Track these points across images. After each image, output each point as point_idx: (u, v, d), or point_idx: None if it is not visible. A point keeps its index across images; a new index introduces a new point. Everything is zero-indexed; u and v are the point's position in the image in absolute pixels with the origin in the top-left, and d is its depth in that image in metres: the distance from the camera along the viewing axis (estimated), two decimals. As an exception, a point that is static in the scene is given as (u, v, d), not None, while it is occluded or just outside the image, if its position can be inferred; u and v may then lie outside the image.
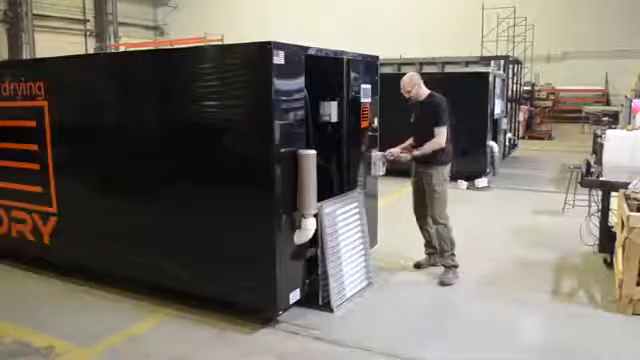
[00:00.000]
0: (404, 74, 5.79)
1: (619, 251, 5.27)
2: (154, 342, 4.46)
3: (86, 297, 5.32)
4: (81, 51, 23.63)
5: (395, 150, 5.75)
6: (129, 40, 25.14)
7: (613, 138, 6.48)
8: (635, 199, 5.35)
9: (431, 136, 5.49)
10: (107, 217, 5.33)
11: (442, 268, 5.73)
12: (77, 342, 4.44)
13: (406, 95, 5.62)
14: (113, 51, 22.46)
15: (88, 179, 5.52)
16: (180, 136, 4.85)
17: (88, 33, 26.41)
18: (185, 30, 25.57)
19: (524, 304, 5.15)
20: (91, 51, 24.24)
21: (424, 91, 5.65)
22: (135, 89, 5.09)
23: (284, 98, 4.39)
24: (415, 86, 5.59)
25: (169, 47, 14.54)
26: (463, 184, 10.68)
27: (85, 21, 26.36)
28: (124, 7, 27.42)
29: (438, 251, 5.81)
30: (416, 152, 5.56)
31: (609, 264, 5.91)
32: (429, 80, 5.93)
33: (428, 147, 5.48)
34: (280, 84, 4.31)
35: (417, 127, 5.71)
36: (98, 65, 5.63)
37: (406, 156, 5.65)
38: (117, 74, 5.25)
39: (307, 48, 4.68)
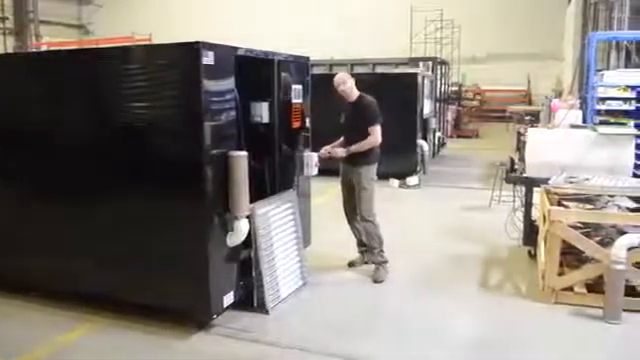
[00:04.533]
0: (335, 74, 5.86)
1: (542, 243, 5.51)
2: (85, 351, 4.31)
3: (9, 308, 5.05)
4: (-1, 50, 22.50)
5: (328, 147, 5.81)
6: (52, 39, 24.13)
7: (535, 136, 6.78)
8: (555, 194, 5.62)
9: (363, 136, 5.58)
10: (31, 223, 5.09)
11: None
12: (1, 355, 4.23)
13: (339, 91, 5.68)
14: (34, 50, 21.48)
15: (7, 184, 5.25)
16: (107, 138, 4.70)
17: (7, 32, 25.16)
18: (112, 29, 24.75)
19: (454, 298, 5.30)
20: (10, 51, 23.07)
21: (355, 92, 5.73)
22: (58, 90, 4.88)
23: (214, 99, 4.33)
24: (346, 82, 5.66)
25: (94, 47, 14.04)
26: (395, 182, 10.88)
27: (4, 19, 25.09)
28: (46, 5, 26.20)
29: (367, 249, 5.90)
30: (352, 147, 5.63)
31: (533, 256, 6.17)
32: (361, 80, 6.01)
33: (364, 143, 5.58)
34: (210, 85, 4.26)
35: (348, 128, 5.78)
36: (17, 65, 5.36)
37: (342, 150, 5.69)
38: (38, 74, 5.02)
39: (237, 48, 4.64)
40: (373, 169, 5.77)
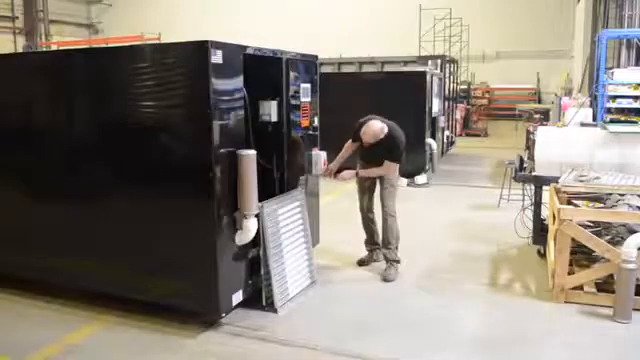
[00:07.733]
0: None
1: (551, 242, 5.49)
2: (94, 350, 4.33)
3: (16, 307, 5.09)
4: (10, 50, 22.62)
5: (333, 166, 5.83)
6: (61, 38, 24.27)
7: (544, 134, 6.75)
8: (565, 192, 5.59)
9: (382, 163, 5.65)
10: (39, 222, 5.13)
11: (384, 265, 5.82)
12: (10, 354, 4.25)
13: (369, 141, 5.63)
14: (44, 49, 21.62)
15: (17, 182, 5.29)
16: (116, 137, 4.72)
17: (17, 31, 25.33)
18: (121, 28, 24.91)
19: (463, 296, 5.29)
20: (20, 50, 23.22)
21: (384, 132, 5.63)
22: (67, 89, 4.91)
23: (223, 98, 4.33)
24: (378, 137, 5.60)
25: (104, 46, 14.11)
26: (404, 181, 10.84)
27: (14, 18, 25.26)
28: (56, 4, 26.37)
29: (383, 244, 5.90)
30: (362, 173, 5.78)
31: (542, 255, 6.14)
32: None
33: (376, 172, 5.74)
34: (218, 84, 4.26)
35: (370, 151, 5.76)
36: (27, 64, 5.38)
37: (349, 174, 5.77)
38: (47, 74, 5.04)
39: (245, 47, 4.64)
40: (397, 167, 5.84)
